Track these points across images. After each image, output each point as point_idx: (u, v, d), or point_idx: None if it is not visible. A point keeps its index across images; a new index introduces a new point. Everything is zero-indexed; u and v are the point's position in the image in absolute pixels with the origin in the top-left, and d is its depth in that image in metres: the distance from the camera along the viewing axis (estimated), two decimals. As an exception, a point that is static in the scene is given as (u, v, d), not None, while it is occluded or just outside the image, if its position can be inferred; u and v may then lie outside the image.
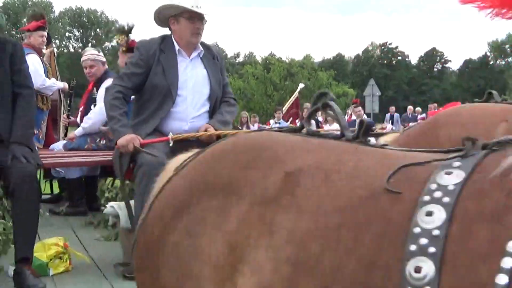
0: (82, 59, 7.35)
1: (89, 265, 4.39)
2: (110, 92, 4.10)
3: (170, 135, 4.00)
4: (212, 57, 4.42)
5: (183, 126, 4.16)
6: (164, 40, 4.26)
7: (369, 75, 71.34)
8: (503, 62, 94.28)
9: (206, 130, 4.11)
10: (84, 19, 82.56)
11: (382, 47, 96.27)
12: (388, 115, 31.66)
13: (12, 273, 3.86)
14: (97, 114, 6.50)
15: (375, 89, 33.52)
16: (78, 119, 7.42)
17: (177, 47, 4.24)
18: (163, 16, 4.29)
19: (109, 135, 6.28)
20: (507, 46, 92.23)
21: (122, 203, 4.27)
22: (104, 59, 7.50)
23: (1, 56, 3.86)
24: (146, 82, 4.16)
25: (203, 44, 4.41)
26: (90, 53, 7.38)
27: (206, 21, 4.27)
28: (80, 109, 7.49)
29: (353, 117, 19.69)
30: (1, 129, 3.86)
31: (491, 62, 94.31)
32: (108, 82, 6.61)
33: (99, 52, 7.60)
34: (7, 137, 3.86)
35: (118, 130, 3.97)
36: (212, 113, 4.35)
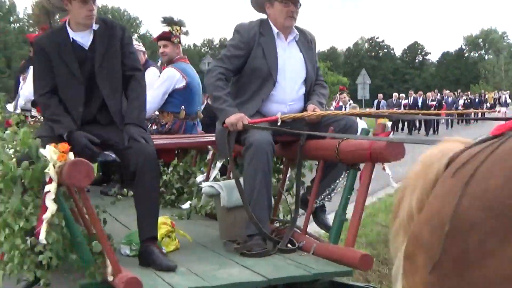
0: None
1: (192, 243, 3.88)
2: (212, 74, 3.75)
3: (279, 115, 3.66)
4: (307, 42, 4.03)
5: (283, 109, 3.79)
6: (263, 23, 3.89)
7: (359, 65, 71.29)
8: (476, 55, 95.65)
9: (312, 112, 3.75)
10: (109, 15, 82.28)
11: (370, 41, 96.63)
12: (376, 101, 31.73)
13: (127, 251, 3.57)
14: (150, 103, 5.64)
15: (366, 78, 33.46)
16: None
17: (275, 30, 3.87)
18: (260, 1, 3.94)
19: (161, 120, 5.93)
20: (480, 40, 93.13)
21: (222, 183, 4.03)
22: (144, 49, 6.86)
23: (111, 40, 3.57)
24: (245, 65, 3.82)
25: (297, 28, 4.02)
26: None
27: (300, 4, 3.88)
28: None
29: (340, 103, 18.94)
30: (113, 111, 3.56)
31: (465, 55, 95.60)
32: (150, 71, 6.29)
33: (139, 42, 6.99)
34: (119, 119, 3.57)
35: (226, 110, 3.64)
36: (307, 95, 3.99)
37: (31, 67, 5.44)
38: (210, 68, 3.88)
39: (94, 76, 3.55)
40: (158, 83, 5.88)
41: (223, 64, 3.81)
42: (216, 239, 4.05)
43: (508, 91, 50.68)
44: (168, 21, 6.10)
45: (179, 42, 6.10)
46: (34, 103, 5.73)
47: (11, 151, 3.38)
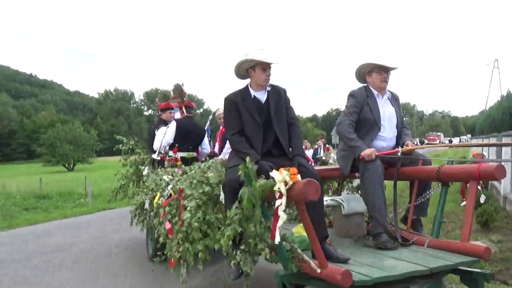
0: (217, 113, 5.98)
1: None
2: (344, 123, 3.33)
3: (400, 148, 3.21)
4: (395, 99, 3.59)
5: (383, 144, 3.35)
6: (366, 88, 3.49)
7: (331, 124, 71.27)
8: (406, 118, 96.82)
9: (407, 146, 3.32)
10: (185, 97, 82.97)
11: (336, 110, 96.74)
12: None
13: None
14: None
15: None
16: (216, 150, 5.88)
17: (375, 92, 3.45)
18: (362, 73, 3.52)
19: None
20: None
21: (342, 196, 3.50)
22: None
23: (279, 98, 3.20)
24: (359, 117, 3.41)
25: (388, 90, 3.58)
26: (221, 110, 5.63)
27: (390, 73, 3.46)
28: (217, 143, 5.90)
29: (316, 146, 17.49)
30: (285, 146, 3.13)
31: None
32: None
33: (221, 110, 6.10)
34: (288, 151, 3.14)
35: (360, 146, 3.18)
36: (397, 135, 3.52)
37: (174, 124, 5.07)
38: (341, 120, 3.40)
39: (270, 121, 3.10)
40: None
41: (349, 117, 3.35)
42: (334, 238, 3.32)
43: (418, 138, 56.55)
44: None
45: None
46: (171, 146, 5.10)
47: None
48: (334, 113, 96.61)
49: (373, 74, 3.43)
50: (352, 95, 3.46)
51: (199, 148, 5.36)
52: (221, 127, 5.81)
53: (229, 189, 2.65)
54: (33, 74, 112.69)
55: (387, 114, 3.43)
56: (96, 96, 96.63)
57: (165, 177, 3.94)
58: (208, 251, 2.75)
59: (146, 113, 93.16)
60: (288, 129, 3.18)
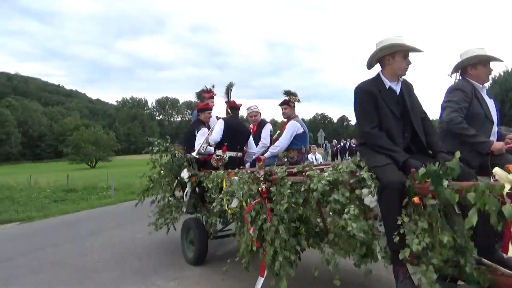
0: (248, 111, 5.16)
1: None
2: (456, 121, 2.62)
3: None
4: (488, 92, 2.94)
5: (493, 138, 2.71)
6: (469, 81, 2.79)
7: (316, 127, 71.46)
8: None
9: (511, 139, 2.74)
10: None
11: (321, 115, 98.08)
12: (326, 145, 29.74)
13: None
14: (282, 144, 4.51)
15: (322, 132, 31.51)
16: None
17: (479, 85, 2.79)
18: (463, 66, 2.82)
19: (289, 154, 4.45)
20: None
21: None
22: (260, 112, 5.23)
23: (410, 90, 2.49)
24: (467, 112, 2.72)
25: None
26: (253, 108, 5.15)
27: (491, 69, 2.81)
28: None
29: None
30: (423, 141, 2.42)
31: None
32: (267, 126, 4.95)
33: (257, 107, 5.27)
34: (426, 147, 2.42)
35: (488, 141, 2.55)
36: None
37: (222, 122, 4.28)
38: (452, 117, 2.66)
39: (407, 115, 2.39)
40: (286, 131, 4.56)
41: (459, 113, 2.65)
42: None
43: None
44: (287, 92, 4.79)
45: (294, 106, 4.70)
46: (219, 145, 4.24)
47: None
48: (319, 117, 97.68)
49: (479, 66, 2.75)
50: (459, 88, 2.73)
51: (246, 149, 4.60)
52: (251, 125, 5.06)
53: (392, 192, 1.98)
54: (60, 85, 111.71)
55: (492, 107, 2.77)
56: (115, 103, 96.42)
57: (235, 178, 3.16)
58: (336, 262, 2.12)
59: (158, 118, 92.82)
60: (422, 124, 2.45)
